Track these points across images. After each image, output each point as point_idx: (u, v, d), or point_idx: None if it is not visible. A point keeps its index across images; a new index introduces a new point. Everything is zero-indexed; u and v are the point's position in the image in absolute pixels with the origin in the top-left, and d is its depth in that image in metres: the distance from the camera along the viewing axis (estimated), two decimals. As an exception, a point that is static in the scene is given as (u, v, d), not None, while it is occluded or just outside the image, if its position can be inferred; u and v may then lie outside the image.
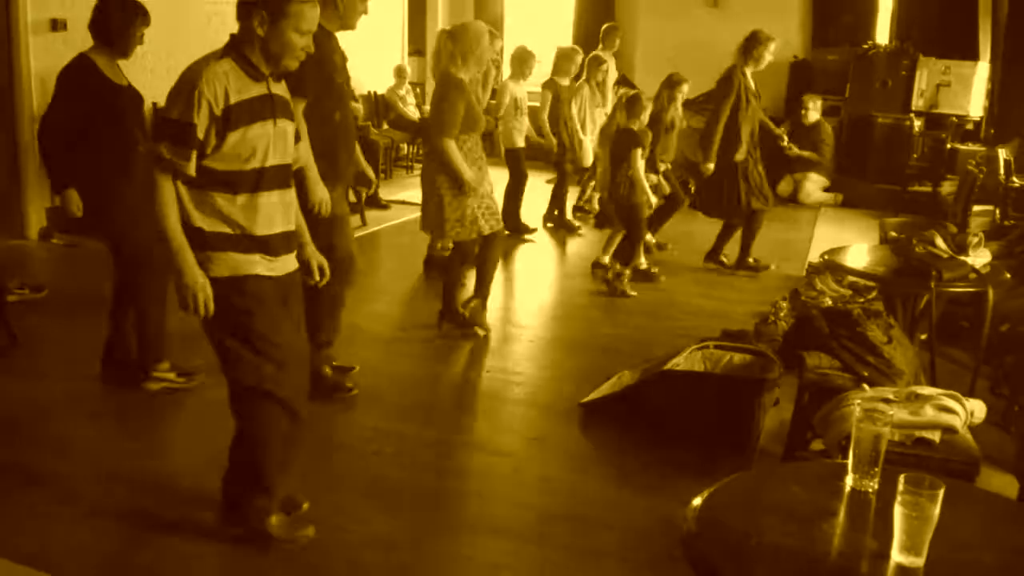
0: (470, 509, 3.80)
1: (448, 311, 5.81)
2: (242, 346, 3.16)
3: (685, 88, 8.02)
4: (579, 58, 8.99)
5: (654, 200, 7.08)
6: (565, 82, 8.83)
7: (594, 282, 7.25)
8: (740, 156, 7.23)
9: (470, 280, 5.88)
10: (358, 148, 4.77)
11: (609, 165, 7.03)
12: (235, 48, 3.08)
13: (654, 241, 8.18)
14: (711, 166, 7.26)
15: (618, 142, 6.90)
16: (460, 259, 5.70)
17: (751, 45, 7.20)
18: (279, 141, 3.17)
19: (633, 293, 6.82)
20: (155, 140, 3.00)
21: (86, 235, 4.85)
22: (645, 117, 6.93)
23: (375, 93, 12.03)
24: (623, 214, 6.95)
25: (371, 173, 4.98)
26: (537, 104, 8.79)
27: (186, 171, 2.99)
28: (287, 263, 3.29)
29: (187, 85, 2.97)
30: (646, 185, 6.84)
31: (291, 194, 3.30)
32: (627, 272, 6.87)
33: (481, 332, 5.77)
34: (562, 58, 8.91)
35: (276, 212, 3.19)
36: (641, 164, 6.81)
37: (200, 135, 2.96)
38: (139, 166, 4.59)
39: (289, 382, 3.23)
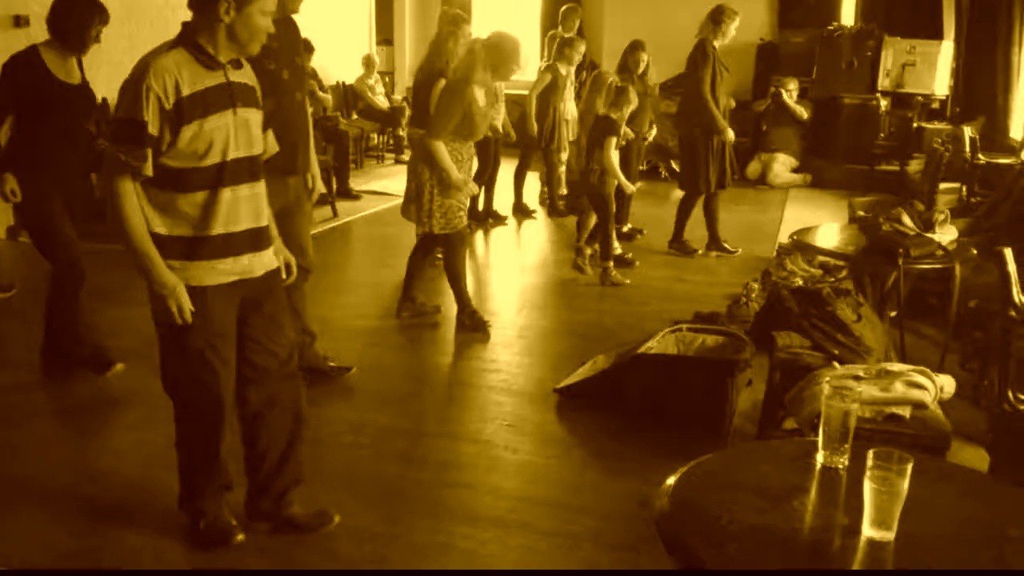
0: (447, 497, 3.80)
1: (461, 307, 5.77)
2: (174, 358, 3.12)
3: (643, 54, 8.03)
4: (583, 47, 8.90)
5: (632, 188, 7.08)
6: (564, 71, 8.73)
7: (566, 268, 7.26)
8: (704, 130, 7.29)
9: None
10: (312, 146, 4.68)
11: (584, 150, 7.00)
12: (188, 38, 2.95)
13: (627, 228, 8.19)
14: (731, 134, 7.35)
15: (595, 128, 6.86)
16: (456, 251, 5.65)
17: (719, 17, 7.23)
18: (241, 132, 3.05)
19: (626, 281, 6.84)
20: (110, 143, 2.89)
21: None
22: (627, 111, 6.88)
23: (344, 83, 11.98)
24: (594, 201, 6.93)
25: (316, 172, 4.77)
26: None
27: (143, 171, 2.88)
28: (259, 262, 3.18)
29: (134, 81, 2.86)
30: (619, 172, 6.81)
31: (260, 187, 3.17)
32: (610, 264, 6.87)
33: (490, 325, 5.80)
34: (565, 45, 8.80)
35: (243, 208, 3.08)
36: (614, 153, 6.79)
37: (153, 132, 2.85)
38: (77, 166, 4.58)
39: (209, 404, 3.16)
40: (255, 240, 3.15)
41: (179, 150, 2.92)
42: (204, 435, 3.23)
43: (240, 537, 3.34)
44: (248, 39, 3.00)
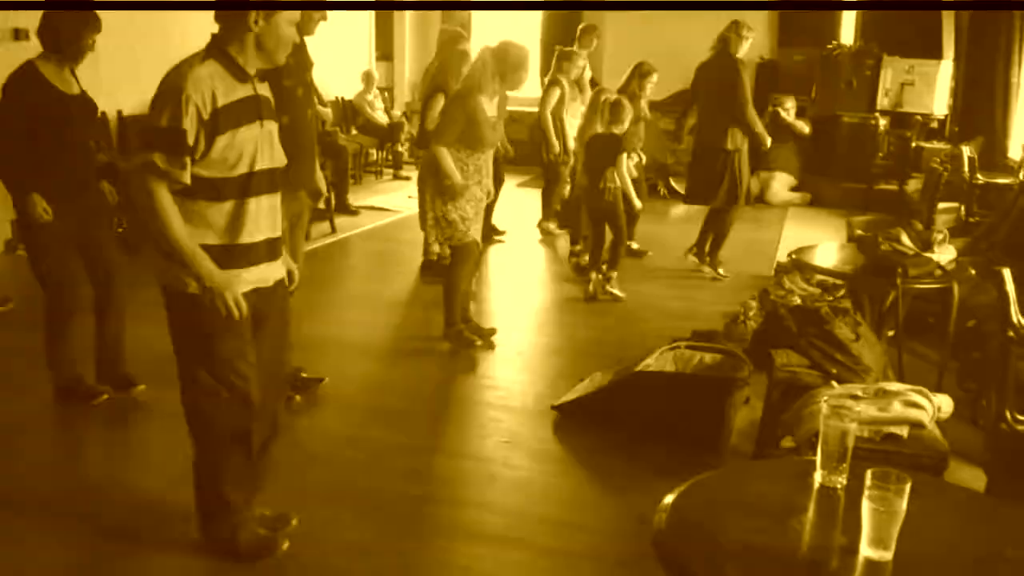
0: (444, 514, 3.80)
1: (448, 324, 5.76)
2: (200, 367, 3.11)
3: (654, 78, 8.03)
4: (581, 61, 8.86)
5: (640, 204, 7.08)
6: (566, 84, 8.69)
7: (564, 285, 7.27)
8: (736, 145, 7.33)
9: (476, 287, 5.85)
10: (316, 159, 4.72)
11: (588, 169, 6.98)
12: (218, 49, 2.97)
13: (636, 246, 8.20)
14: (769, 140, 7.48)
15: (601, 147, 6.84)
16: (458, 265, 5.64)
17: (741, 31, 7.22)
18: (266, 144, 3.09)
19: (621, 295, 6.85)
20: (146, 150, 2.87)
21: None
22: (628, 121, 6.91)
23: (343, 98, 12.00)
24: (609, 218, 6.91)
25: (323, 186, 4.84)
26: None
27: (182, 179, 2.89)
28: (272, 272, 3.21)
29: (172, 90, 2.86)
30: (631, 189, 6.85)
31: (278, 198, 3.22)
32: (613, 275, 6.90)
33: (479, 343, 5.77)
34: (564, 59, 8.75)
35: (263, 218, 3.11)
36: (626, 169, 6.81)
37: (191, 141, 2.87)
38: (84, 178, 4.55)
39: (242, 411, 3.16)
40: (271, 250, 3.20)
41: (211, 160, 2.93)
42: (240, 442, 3.22)
43: (286, 545, 3.37)
44: (275, 48, 3.03)
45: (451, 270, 5.69)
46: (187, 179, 2.90)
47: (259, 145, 3.05)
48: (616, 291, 6.87)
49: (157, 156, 2.86)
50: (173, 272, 3.02)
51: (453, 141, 5.30)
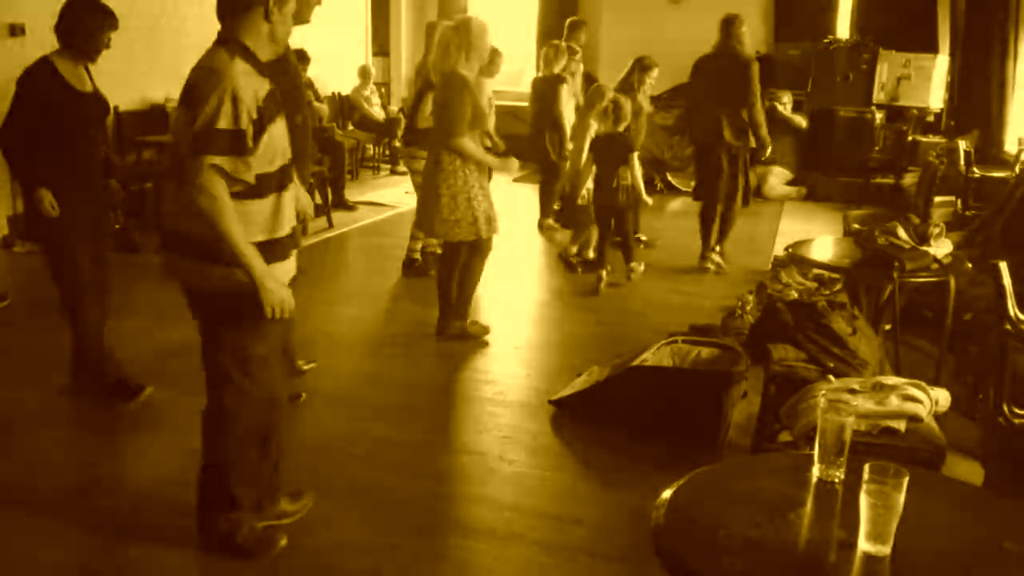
0: (442, 509, 3.80)
1: (442, 318, 5.76)
2: (236, 366, 3.11)
3: (655, 73, 8.02)
4: (564, 57, 8.83)
5: (650, 201, 7.20)
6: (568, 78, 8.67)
7: (560, 279, 7.27)
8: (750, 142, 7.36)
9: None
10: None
11: (598, 168, 7.00)
12: (239, 44, 2.93)
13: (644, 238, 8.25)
14: (770, 148, 7.47)
15: (611, 146, 6.86)
16: (453, 262, 5.63)
17: (743, 26, 7.19)
18: (286, 135, 3.10)
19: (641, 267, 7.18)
20: (204, 153, 2.80)
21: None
22: (629, 116, 6.94)
23: (339, 94, 11.99)
24: (616, 216, 6.94)
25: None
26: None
27: (247, 179, 2.87)
28: (293, 263, 3.22)
29: (220, 90, 2.81)
30: (643, 187, 6.97)
31: (295, 188, 3.26)
32: (634, 264, 7.10)
33: (484, 336, 5.78)
34: (557, 53, 8.66)
35: (289, 209, 3.13)
36: (638, 166, 6.90)
37: (249, 140, 2.85)
38: (97, 176, 4.54)
39: (270, 409, 3.20)
40: (294, 240, 3.22)
41: (257, 157, 2.92)
42: (263, 438, 3.25)
43: (283, 541, 3.38)
44: (284, 37, 3.05)
45: (470, 263, 5.62)
46: (252, 178, 2.89)
47: (283, 138, 3.07)
48: (640, 269, 7.14)
49: (222, 159, 2.82)
50: (216, 272, 2.97)
51: (467, 128, 5.22)
